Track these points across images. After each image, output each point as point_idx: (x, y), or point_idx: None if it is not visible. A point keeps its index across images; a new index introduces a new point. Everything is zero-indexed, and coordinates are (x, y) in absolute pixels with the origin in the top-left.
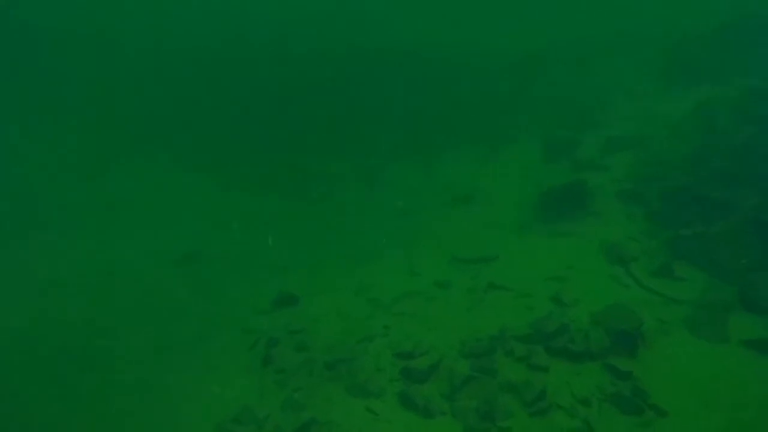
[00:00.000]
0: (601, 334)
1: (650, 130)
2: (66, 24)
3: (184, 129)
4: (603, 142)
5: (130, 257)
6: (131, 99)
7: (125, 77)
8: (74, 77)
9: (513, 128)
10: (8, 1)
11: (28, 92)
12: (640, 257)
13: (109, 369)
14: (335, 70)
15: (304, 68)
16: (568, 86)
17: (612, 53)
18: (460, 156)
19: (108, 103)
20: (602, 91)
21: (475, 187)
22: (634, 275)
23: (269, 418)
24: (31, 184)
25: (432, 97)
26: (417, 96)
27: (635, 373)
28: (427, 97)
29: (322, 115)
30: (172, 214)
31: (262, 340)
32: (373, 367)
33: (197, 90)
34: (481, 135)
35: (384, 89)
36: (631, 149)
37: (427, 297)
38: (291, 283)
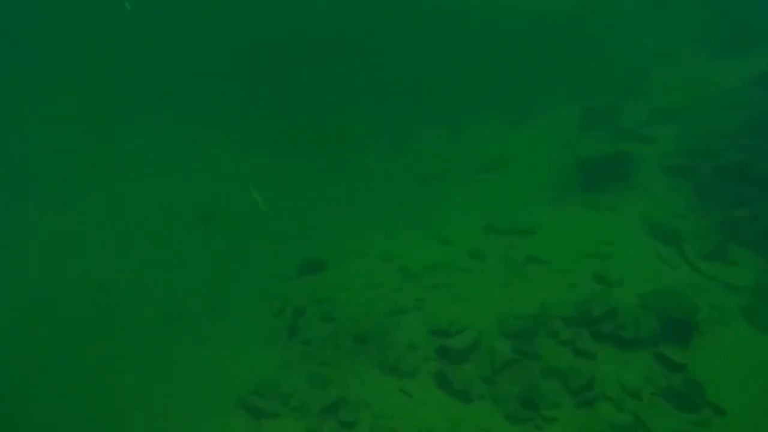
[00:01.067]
0: (652, 320)
1: (698, 99)
2: None
3: (200, 85)
4: (646, 111)
5: (144, 218)
6: (144, 55)
7: (138, 33)
8: (83, 32)
9: (546, 92)
10: None
11: (34, 47)
12: (690, 237)
13: (122, 337)
14: (359, 28)
15: (326, 25)
16: (605, 49)
17: (651, 13)
18: (490, 120)
19: (120, 59)
20: (642, 55)
21: (508, 153)
22: (684, 256)
23: (295, 394)
24: (39, 143)
25: (459, 58)
26: (443, 56)
27: (689, 366)
28: (453, 58)
29: (344, 74)
30: (188, 173)
31: (288, 308)
32: (406, 343)
33: (212, 46)
34: (512, 98)
35: (408, 48)
36: (678, 120)
37: (461, 268)
38: (315, 248)
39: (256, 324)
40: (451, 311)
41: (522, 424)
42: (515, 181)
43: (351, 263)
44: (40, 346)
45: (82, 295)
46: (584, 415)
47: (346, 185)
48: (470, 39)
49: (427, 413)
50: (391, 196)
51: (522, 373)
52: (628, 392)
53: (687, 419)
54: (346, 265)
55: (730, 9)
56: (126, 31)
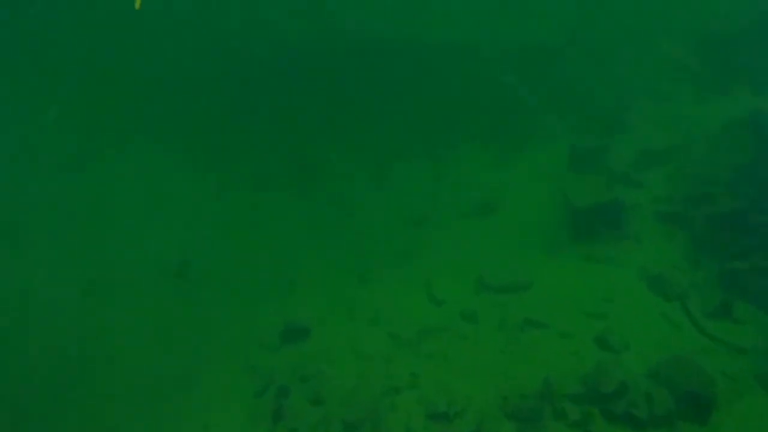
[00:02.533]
0: (665, 396)
1: (687, 140)
2: None
3: (174, 116)
4: (634, 152)
5: (111, 269)
6: (116, 84)
7: (109, 61)
8: (54, 59)
9: (531, 129)
10: None
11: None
12: (691, 292)
13: (83, 411)
14: (340, 60)
15: (307, 55)
16: (589, 84)
17: (634, 49)
18: (475, 157)
19: (89, 88)
20: (627, 92)
21: (495, 195)
22: (688, 315)
23: None
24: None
25: (441, 91)
26: (425, 89)
27: None
28: (436, 91)
29: (325, 106)
30: (161, 216)
31: (271, 387)
32: (403, 430)
33: (188, 74)
34: (496, 134)
35: (391, 80)
36: (668, 162)
37: (455, 333)
38: (298, 305)
39: (237, 401)
40: (448, 388)
41: None
42: (505, 227)
43: (337, 328)
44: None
45: (41, 362)
46: None
47: (329, 228)
48: (450, 73)
49: None
50: (376, 243)
51: None
52: None
53: None
54: (332, 330)
55: (711, 48)
56: (96, 60)
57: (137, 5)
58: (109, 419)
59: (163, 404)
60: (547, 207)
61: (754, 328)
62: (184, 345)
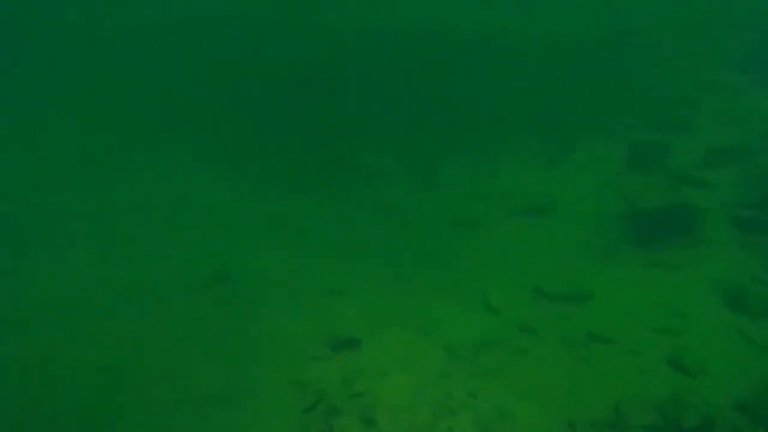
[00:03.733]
0: None
1: (756, 136)
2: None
3: (207, 117)
4: (700, 149)
5: (147, 279)
6: (146, 85)
7: (139, 61)
8: (85, 59)
9: (586, 125)
10: None
11: (24, 74)
12: None
13: (124, 428)
14: (383, 55)
15: (344, 55)
16: (647, 77)
17: (695, 39)
18: (527, 155)
19: (119, 89)
20: (688, 85)
21: (549, 195)
22: None
23: None
24: (26, 185)
25: (491, 85)
26: (473, 83)
27: None
28: (485, 86)
29: (368, 103)
30: (195, 222)
31: (321, 404)
32: None
33: (226, 79)
34: (549, 131)
35: (435, 76)
36: (738, 161)
37: (514, 348)
38: (346, 313)
39: (285, 417)
40: (509, 411)
41: None
42: (560, 230)
43: (387, 338)
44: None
45: (79, 377)
46: None
47: (373, 230)
48: (502, 67)
49: None
50: (424, 245)
51: None
52: None
53: None
54: (382, 341)
55: None
56: (126, 59)
57: None
58: None
59: (207, 421)
60: (605, 208)
61: None
62: (226, 357)
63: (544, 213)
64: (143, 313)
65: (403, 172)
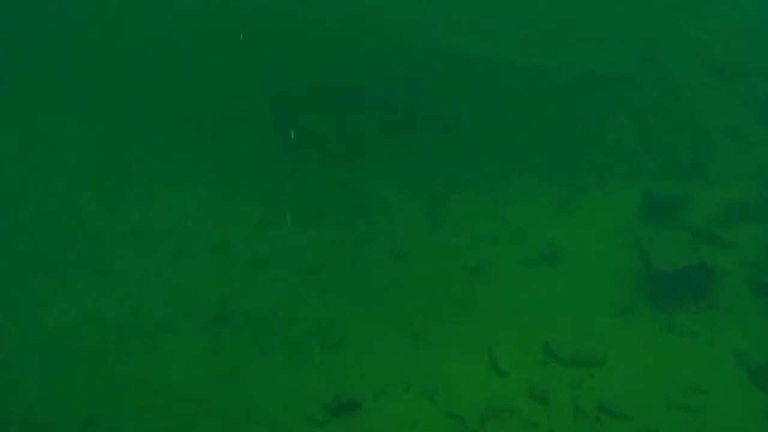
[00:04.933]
0: None
1: None
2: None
3: (216, 138)
4: (719, 203)
5: (139, 313)
6: (155, 106)
7: (149, 71)
8: (82, 67)
9: (597, 167)
10: None
11: (28, 83)
12: None
13: None
14: (397, 76)
15: (360, 74)
16: (662, 120)
17: (712, 86)
18: (535, 196)
19: (127, 99)
20: (704, 132)
21: (559, 242)
22: None
23: None
24: (25, 204)
25: (501, 119)
26: (483, 116)
27: None
28: (495, 119)
29: (376, 130)
30: (198, 252)
31: None
32: None
33: (234, 101)
34: (558, 171)
35: (446, 107)
36: (759, 219)
37: (524, 419)
38: (347, 369)
39: None
40: None
41: None
42: (571, 283)
43: (390, 403)
44: None
45: (67, 428)
46: None
47: (379, 272)
48: (514, 99)
49: None
50: (431, 293)
51: None
52: None
53: None
54: (385, 405)
55: None
56: (136, 67)
57: None
58: None
59: None
60: (618, 261)
61: None
62: (218, 414)
63: (555, 261)
64: (132, 356)
65: (413, 203)
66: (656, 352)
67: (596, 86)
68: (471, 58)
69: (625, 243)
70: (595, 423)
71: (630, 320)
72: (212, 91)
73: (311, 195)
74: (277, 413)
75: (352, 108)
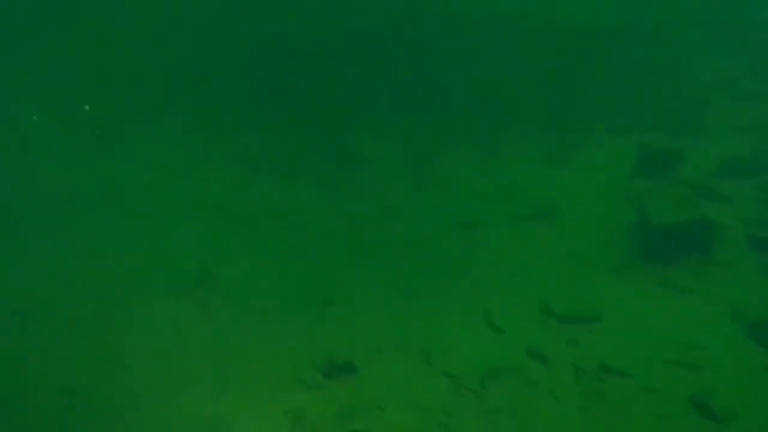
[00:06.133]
0: None
1: None
2: None
3: (201, 94)
4: (715, 158)
5: (121, 278)
6: (141, 65)
7: (136, 32)
8: (73, 29)
9: (590, 120)
10: None
11: (13, 44)
12: None
13: None
14: (379, 34)
15: (341, 37)
16: (656, 73)
17: (704, 38)
18: (527, 150)
19: (113, 60)
20: (699, 85)
21: (552, 197)
22: None
23: None
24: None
25: (490, 72)
26: (473, 68)
27: None
28: (483, 72)
29: (362, 84)
30: (183, 211)
31: None
32: None
33: (220, 59)
34: (550, 125)
35: (435, 58)
36: (755, 174)
37: (524, 379)
38: (339, 330)
39: None
40: None
41: None
42: (565, 238)
43: (384, 364)
44: None
45: (37, 400)
46: None
47: (367, 230)
48: (504, 51)
49: None
50: (421, 250)
51: None
52: None
53: None
54: (379, 367)
55: None
56: (122, 29)
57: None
58: None
59: None
60: (613, 216)
61: None
62: (208, 380)
63: (548, 218)
64: (114, 324)
65: (402, 159)
66: (653, 309)
67: (587, 38)
68: (459, 10)
69: (619, 198)
70: (597, 381)
71: (626, 276)
72: (195, 50)
73: (295, 152)
74: (268, 377)
75: (338, 64)
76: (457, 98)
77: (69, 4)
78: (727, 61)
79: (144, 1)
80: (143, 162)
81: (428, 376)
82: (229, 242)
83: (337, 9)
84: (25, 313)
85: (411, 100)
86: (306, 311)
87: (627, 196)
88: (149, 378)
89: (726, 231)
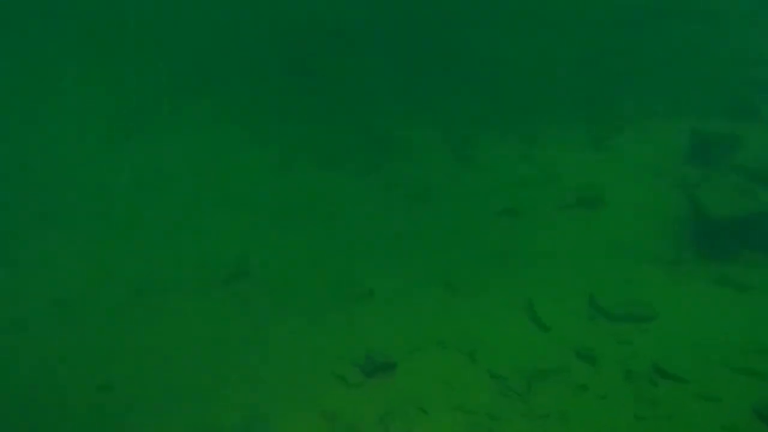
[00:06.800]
0: None
1: None
2: None
3: (232, 79)
4: None
5: (155, 270)
6: (169, 48)
7: (162, 16)
8: (89, 6)
9: (637, 103)
10: None
11: (30, 23)
12: None
13: None
14: (421, 10)
15: (378, 18)
16: (706, 53)
17: (757, 15)
18: (570, 135)
19: (137, 44)
20: (756, 66)
21: (599, 184)
22: None
23: None
24: (28, 152)
25: (528, 57)
26: (521, 48)
27: None
28: (521, 56)
29: (401, 66)
30: (215, 201)
31: None
32: None
33: (249, 39)
34: (593, 109)
35: (481, 38)
36: None
37: (573, 382)
38: (378, 325)
39: None
40: None
41: None
42: (613, 229)
43: (426, 362)
44: None
45: (75, 397)
46: None
47: (407, 219)
48: (553, 30)
49: None
50: (463, 240)
51: None
52: None
53: None
54: (420, 365)
55: None
56: (147, 11)
57: None
58: None
59: None
60: (664, 206)
61: None
62: (243, 376)
63: (595, 206)
64: (150, 316)
65: (439, 146)
66: (711, 308)
67: (629, 17)
68: None
69: (670, 186)
70: (650, 386)
71: (679, 271)
72: (227, 35)
73: (331, 140)
74: (306, 374)
75: (373, 50)
76: (494, 83)
77: None
78: None
79: None
80: (175, 151)
81: (472, 377)
82: (265, 233)
83: None
84: (58, 306)
85: (448, 87)
86: (344, 304)
87: (677, 184)
88: (186, 373)
89: None
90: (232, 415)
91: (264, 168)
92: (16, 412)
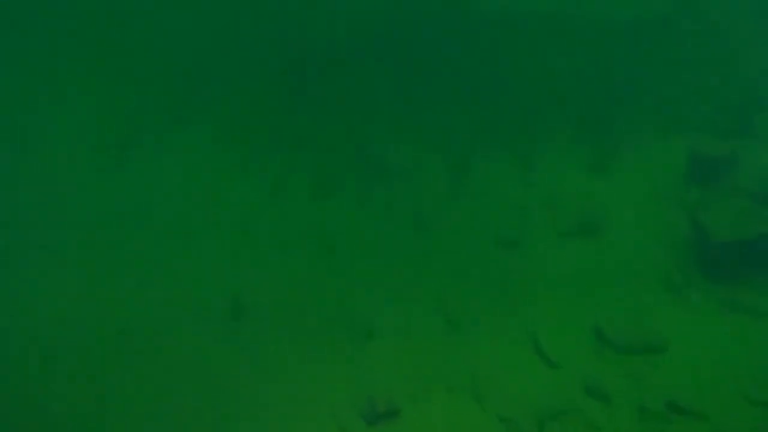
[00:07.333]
0: None
1: None
2: None
3: (227, 101)
4: None
5: (143, 308)
6: (161, 73)
7: (157, 32)
8: (78, 28)
9: (633, 124)
10: None
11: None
12: None
13: None
14: (416, 31)
15: (372, 40)
16: (702, 71)
17: (756, 31)
18: (567, 155)
19: (130, 74)
20: (751, 83)
21: (599, 209)
22: None
23: None
24: (18, 176)
25: (524, 75)
26: (506, 70)
27: None
28: (517, 75)
29: (395, 89)
30: (208, 231)
31: None
32: None
33: (244, 63)
34: (590, 129)
35: (474, 58)
36: None
37: (585, 422)
38: (380, 369)
39: None
40: None
41: None
42: (616, 255)
43: (431, 407)
44: None
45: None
46: None
47: (405, 249)
48: (542, 49)
49: None
50: (463, 271)
51: None
52: None
53: None
54: (427, 412)
55: None
56: (141, 29)
57: None
58: None
59: None
60: (663, 230)
61: None
62: (242, 424)
63: (595, 232)
64: (138, 356)
65: (436, 170)
66: (723, 336)
67: (628, 33)
68: (490, 9)
69: (672, 209)
70: (666, 423)
71: (686, 297)
72: (218, 56)
73: (326, 164)
74: (305, 424)
75: (367, 69)
76: (490, 104)
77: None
78: None
79: (165, 6)
80: (165, 178)
81: (481, 421)
82: (259, 267)
83: (366, 16)
84: (42, 344)
85: (444, 108)
86: (343, 345)
87: (678, 206)
88: (175, 421)
89: None
90: None
91: (257, 197)
92: None
